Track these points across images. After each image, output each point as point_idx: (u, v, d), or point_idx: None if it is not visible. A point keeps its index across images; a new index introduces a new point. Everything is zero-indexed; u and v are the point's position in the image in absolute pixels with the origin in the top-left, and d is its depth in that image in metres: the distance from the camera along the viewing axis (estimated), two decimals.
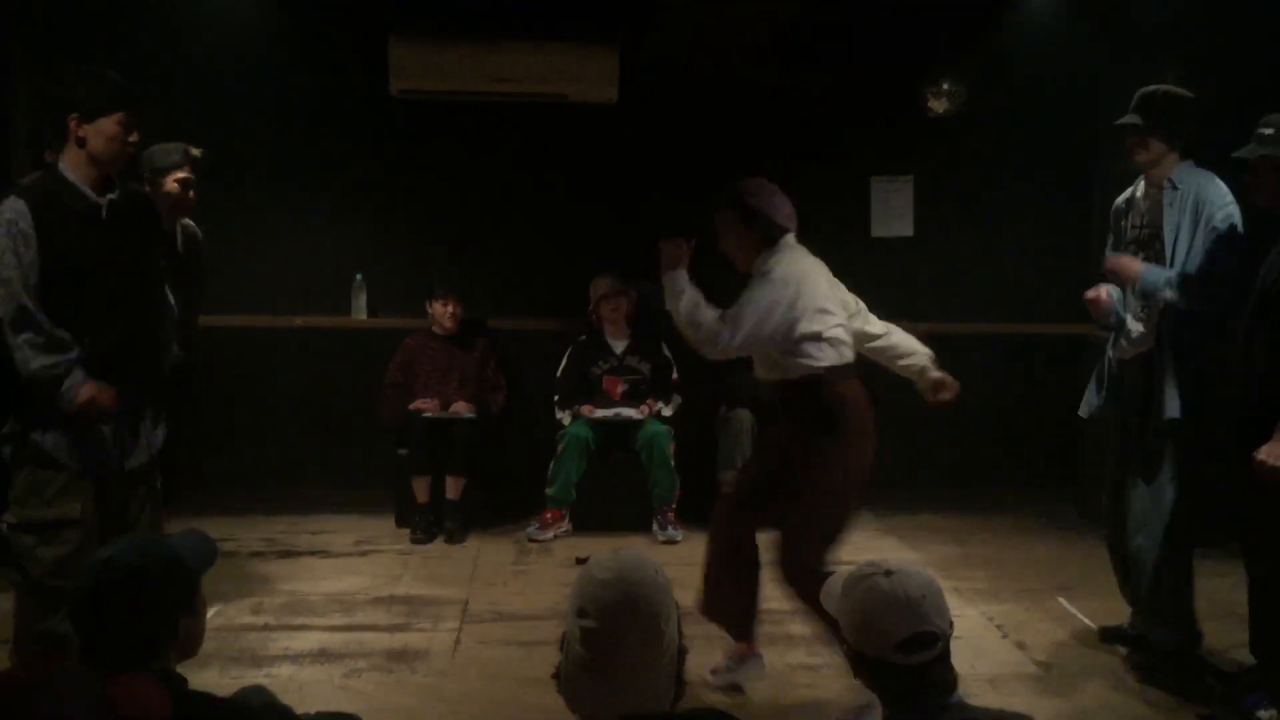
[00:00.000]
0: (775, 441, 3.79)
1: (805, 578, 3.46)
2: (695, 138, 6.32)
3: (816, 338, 3.59)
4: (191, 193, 4.46)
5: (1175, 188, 3.86)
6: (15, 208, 3.16)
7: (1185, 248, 3.80)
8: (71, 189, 3.26)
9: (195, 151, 4.47)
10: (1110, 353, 4.13)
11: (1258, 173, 3.56)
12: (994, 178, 6.48)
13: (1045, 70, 6.36)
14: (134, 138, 3.35)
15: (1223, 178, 3.83)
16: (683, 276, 3.67)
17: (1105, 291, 4.03)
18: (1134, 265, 3.88)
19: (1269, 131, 3.49)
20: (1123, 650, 4.17)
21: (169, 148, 4.44)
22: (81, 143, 3.25)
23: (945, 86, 6.24)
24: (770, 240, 3.72)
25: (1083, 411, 4.30)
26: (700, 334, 3.59)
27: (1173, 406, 3.79)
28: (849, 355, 3.70)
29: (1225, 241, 3.73)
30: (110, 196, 3.34)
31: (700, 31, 5.90)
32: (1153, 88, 3.95)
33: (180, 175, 4.42)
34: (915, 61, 6.24)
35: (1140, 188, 4.08)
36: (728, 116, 6.33)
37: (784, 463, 3.66)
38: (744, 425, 5.90)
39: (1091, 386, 4.25)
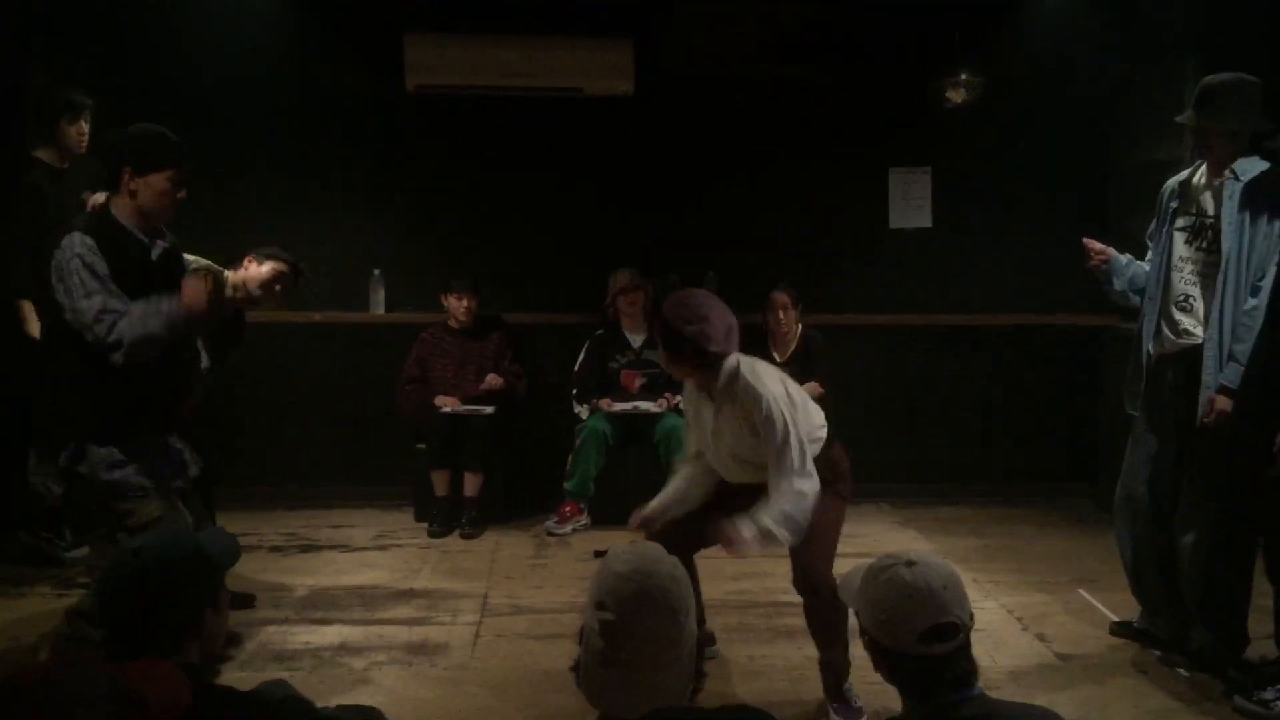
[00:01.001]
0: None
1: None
2: (711, 130, 6.31)
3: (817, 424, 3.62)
4: (183, 191, 4.43)
5: (1238, 179, 3.70)
6: (85, 241, 3.36)
7: (1240, 243, 3.65)
8: (124, 231, 3.47)
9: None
10: (1149, 346, 3.97)
11: None
12: (1012, 169, 6.44)
13: (1063, 61, 6.32)
14: (182, 194, 3.55)
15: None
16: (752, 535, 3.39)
17: (1112, 252, 3.99)
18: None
19: None
20: (1137, 645, 4.16)
21: None
22: (133, 194, 3.47)
23: (963, 77, 6.20)
24: (711, 365, 3.47)
25: (1130, 406, 4.10)
26: (799, 520, 3.39)
27: (1207, 389, 3.67)
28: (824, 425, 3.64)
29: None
30: (162, 244, 3.59)
31: (715, 24, 5.89)
32: (1211, 79, 3.75)
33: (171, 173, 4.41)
34: (933, 52, 6.20)
35: (1200, 173, 3.91)
36: (744, 108, 6.31)
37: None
38: None
39: (1136, 381, 4.06)
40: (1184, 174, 4.02)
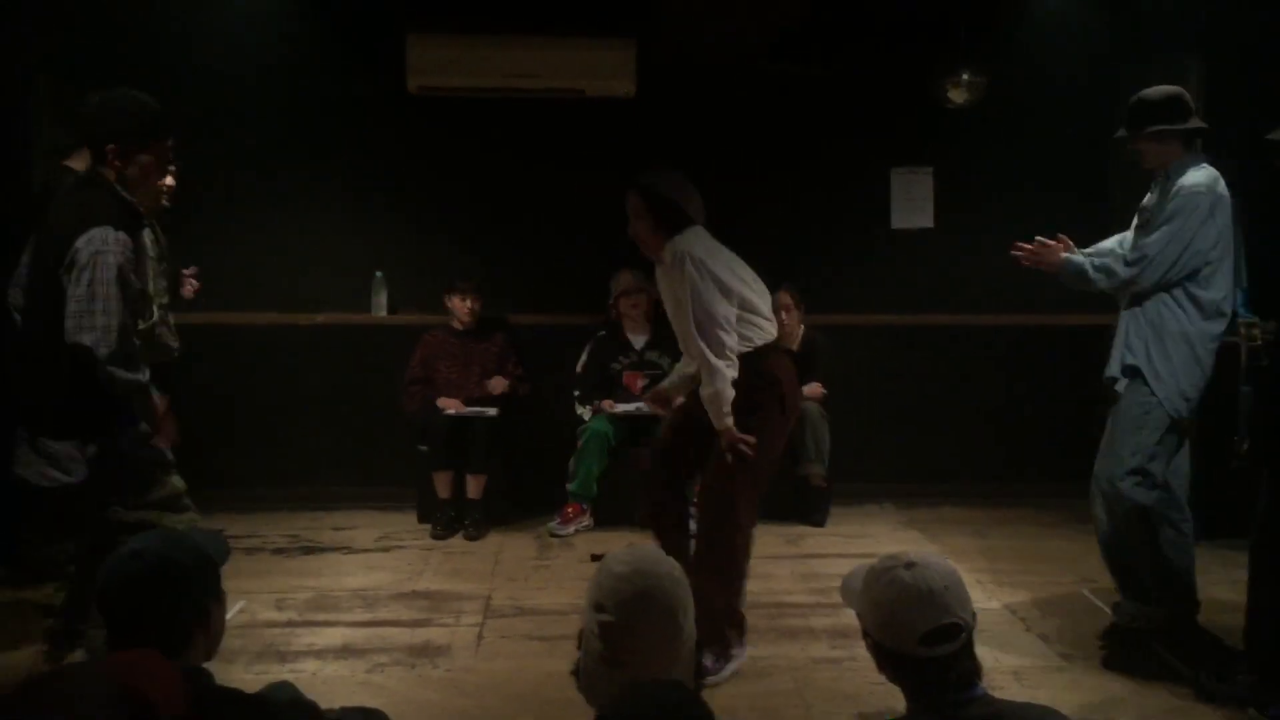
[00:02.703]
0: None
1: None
2: (713, 131, 6.30)
3: (745, 320, 3.75)
4: (172, 179, 4.39)
5: (1169, 178, 3.97)
6: (120, 240, 3.21)
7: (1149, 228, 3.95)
8: (132, 208, 3.34)
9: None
10: None
11: None
12: (1014, 169, 6.44)
13: (1066, 61, 6.32)
14: (168, 175, 3.51)
15: (1254, 164, 3.84)
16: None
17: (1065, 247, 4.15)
18: (1055, 256, 4.04)
19: None
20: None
21: None
22: (120, 171, 3.34)
23: (965, 77, 6.20)
24: (677, 229, 3.80)
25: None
26: (715, 403, 3.70)
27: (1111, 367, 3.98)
28: (772, 333, 3.83)
29: (1177, 219, 3.84)
30: (151, 221, 3.54)
31: (717, 24, 5.88)
32: (1135, 96, 4.05)
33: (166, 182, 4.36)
34: (935, 52, 6.20)
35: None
36: (746, 109, 6.32)
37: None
38: None
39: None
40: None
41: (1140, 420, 3.90)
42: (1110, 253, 4.14)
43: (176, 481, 3.46)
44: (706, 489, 3.87)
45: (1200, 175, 3.91)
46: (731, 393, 3.66)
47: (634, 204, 3.87)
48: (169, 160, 3.45)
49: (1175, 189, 3.91)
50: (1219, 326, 3.95)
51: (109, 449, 3.37)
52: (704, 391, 3.72)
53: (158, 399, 3.50)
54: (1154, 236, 3.88)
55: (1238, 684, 3.61)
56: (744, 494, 3.79)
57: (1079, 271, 4.01)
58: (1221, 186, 3.93)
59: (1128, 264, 3.93)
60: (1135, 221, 4.20)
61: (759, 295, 3.85)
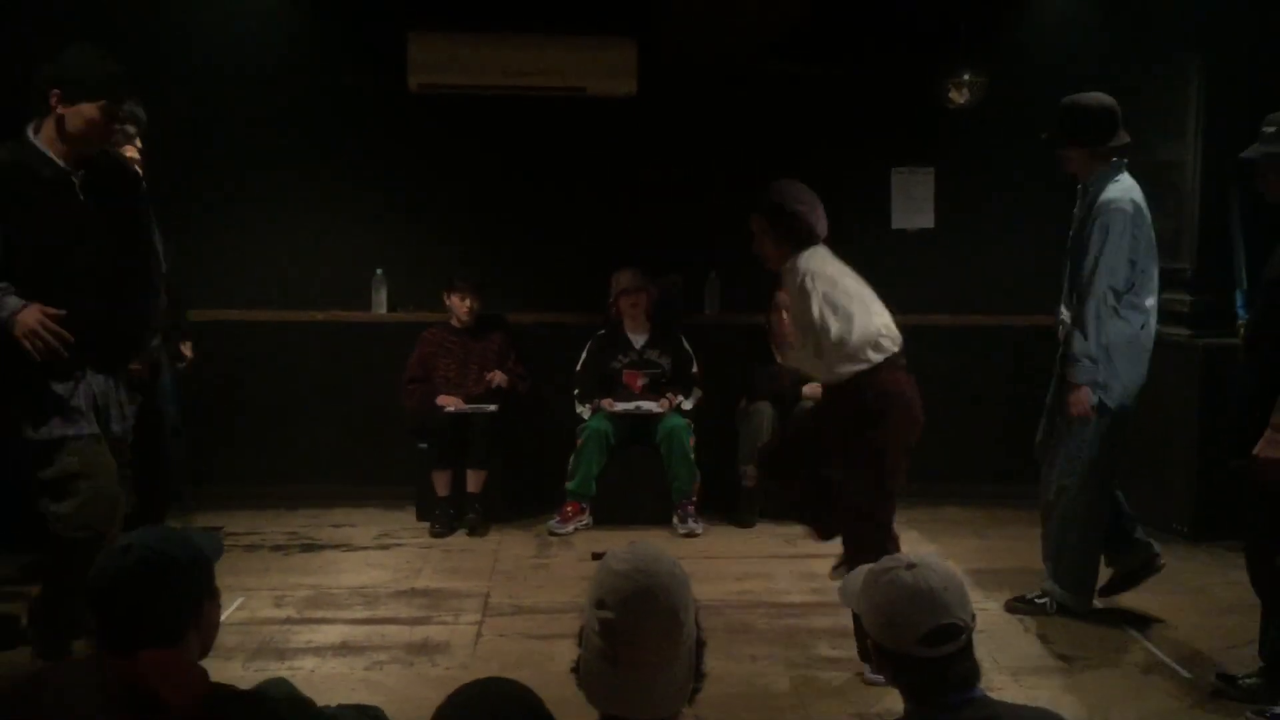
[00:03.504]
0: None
1: None
2: (715, 130, 6.30)
3: (862, 343, 3.77)
4: (134, 152, 4.32)
5: (1086, 190, 4.20)
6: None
7: (1078, 244, 4.19)
8: (40, 156, 3.24)
9: (131, 129, 4.30)
10: None
11: (1264, 172, 3.60)
12: (1015, 169, 6.42)
13: (1067, 61, 6.28)
14: (116, 128, 3.40)
15: (1240, 175, 3.89)
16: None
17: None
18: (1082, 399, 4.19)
19: (1271, 130, 3.57)
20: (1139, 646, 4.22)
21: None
22: (60, 120, 3.25)
23: (966, 78, 6.19)
24: (801, 246, 3.86)
25: None
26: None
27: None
28: (891, 348, 3.82)
29: (1111, 229, 4.07)
30: (83, 173, 3.34)
31: (719, 23, 5.88)
32: (1065, 100, 4.28)
33: (129, 154, 4.28)
34: (936, 52, 6.20)
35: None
36: (747, 108, 6.31)
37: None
38: (765, 418, 5.88)
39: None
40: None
41: None
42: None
43: (68, 465, 3.32)
44: (842, 508, 3.92)
45: (1118, 190, 4.11)
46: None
47: (758, 224, 3.95)
48: (113, 118, 3.35)
49: (1097, 205, 4.12)
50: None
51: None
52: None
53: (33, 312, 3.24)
54: (1086, 270, 4.15)
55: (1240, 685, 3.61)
56: (878, 503, 3.85)
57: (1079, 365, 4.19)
58: (1138, 195, 4.16)
59: (1078, 320, 4.18)
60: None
61: (877, 314, 3.87)
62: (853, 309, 3.77)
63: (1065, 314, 4.38)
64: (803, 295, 3.76)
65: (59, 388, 3.35)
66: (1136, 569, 4.40)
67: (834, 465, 3.94)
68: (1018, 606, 4.50)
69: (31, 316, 3.23)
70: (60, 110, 3.24)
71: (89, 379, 3.43)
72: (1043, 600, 4.46)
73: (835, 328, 3.72)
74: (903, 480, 3.93)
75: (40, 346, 3.24)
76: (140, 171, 4.33)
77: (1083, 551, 4.39)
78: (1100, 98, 4.21)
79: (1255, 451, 3.33)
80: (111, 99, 3.30)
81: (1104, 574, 4.51)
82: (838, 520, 3.98)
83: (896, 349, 3.83)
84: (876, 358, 3.77)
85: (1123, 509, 4.45)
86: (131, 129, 4.34)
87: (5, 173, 3.20)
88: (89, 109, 3.26)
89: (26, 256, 3.25)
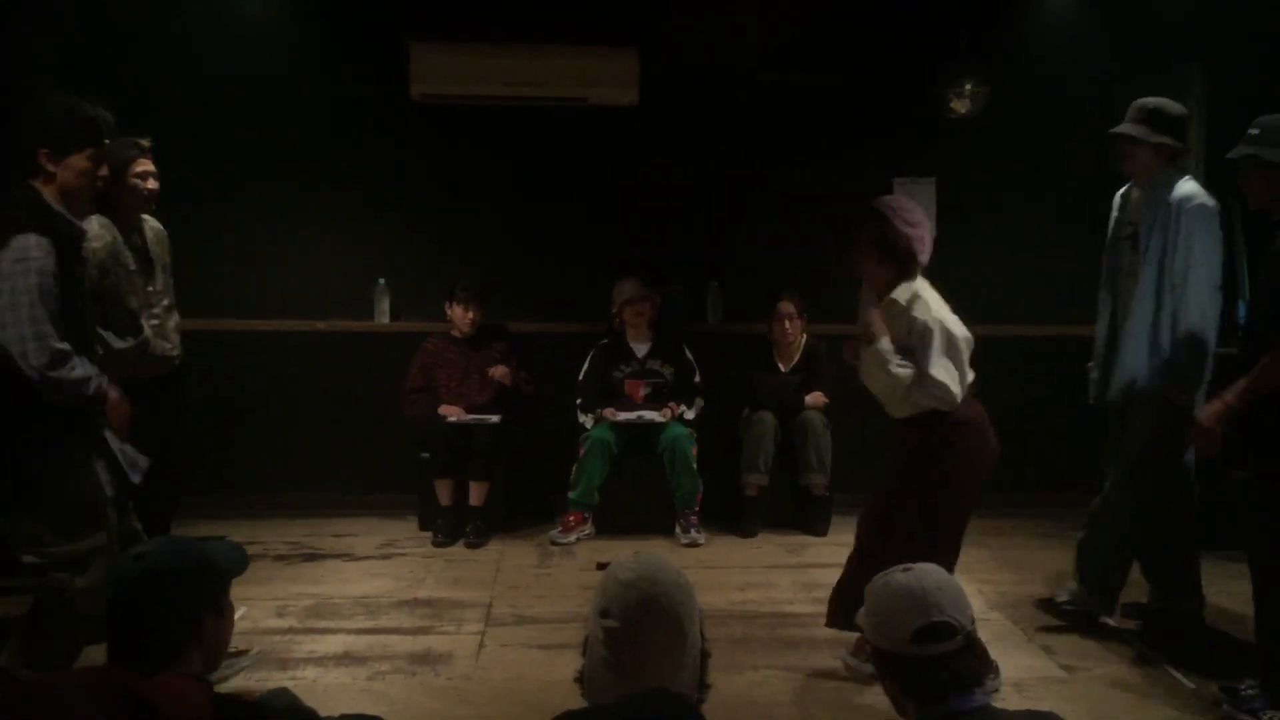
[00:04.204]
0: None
1: None
2: (716, 139, 6.31)
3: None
4: (153, 182, 4.36)
5: (1155, 188, 4.12)
6: (43, 245, 3.15)
7: (1160, 243, 4.05)
8: (63, 220, 3.28)
9: (145, 142, 4.27)
10: (1103, 344, 4.44)
11: (1245, 172, 3.63)
12: (1016, 179, 6.44)
13: (1067, 71, 6.32)
14: (104, 172, 3.39)
15: (1228, 178, 3.92)
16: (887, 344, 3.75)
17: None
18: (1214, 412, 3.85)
19: (1255, 131, 3.60)
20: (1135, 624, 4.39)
21: (119, 144, 4.28)
22: (51, 177, 3.28)
23: (968, 87, 6.21)
24: (906, 273, 3.79)
25: (1092, 398, 4.56)
26: (887, 373, 3.74)
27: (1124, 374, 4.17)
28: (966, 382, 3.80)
29: (1199, 226, 3.98)
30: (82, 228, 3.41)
31: (720, 32, 5.89)
32: (1148, 100, 4.18)
33: (139, 168, 4.23)
34: (937, 62, 6.21)
35: (1134, 186, 4.34)
36: (749, 117, 6.32)
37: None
38: (767, 428, 5.89)
39: (1093, 371, 4.54)
40: (1125, 187, 4.42)
41: None
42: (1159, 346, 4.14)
43: (99, 539, 3.30)
44: (910, 538, 3.75)
45: (1193, 187, 4.07)
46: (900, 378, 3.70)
47: (866, 238, 3.81)
48: (100, 163, 3.37)
49: (1175, 203, 4.03)
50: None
51: (22, 467, 3.24)
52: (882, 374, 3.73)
53: (107, 389, 3.34)
54: (1189, 288, 4.00)
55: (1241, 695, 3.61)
56: (946, 536, 3.77)
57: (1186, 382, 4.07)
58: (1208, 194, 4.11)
59: (1176, 350, 4.04)
60: (1115, 232, 4.36)
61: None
62: (958, 357, 3.73)
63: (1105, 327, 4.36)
64: (919, 335, 3.68)
65: (95, 458, 3.36)
66: (1179, 614, 4.35)
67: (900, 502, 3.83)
68: (1050, 607, 4.52)
69: (115, 390, 3.37)
70: (51, 169, 3.27)
71: (108, 440, 3.45)
72: (1066, 601, 4.46)
73: (945, 377, 3.66)
74: (968, 514, 3.86)
75: (121, 416, 3.39)
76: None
77: (1114, 551, 4.37)
78: (1178, 104, 4.21)
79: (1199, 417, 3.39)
80: (97, 145, 3.34)
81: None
82: (897, 551, 3.79)
83: (971, 383, 3.79)
84: (947, 398, 3.73)
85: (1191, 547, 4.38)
86: (145, 142, 4.36)
87: (58, 239, 3.22)
88: (79, 160, 3.30)
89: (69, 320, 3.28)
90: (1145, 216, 4.14)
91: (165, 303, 4.37)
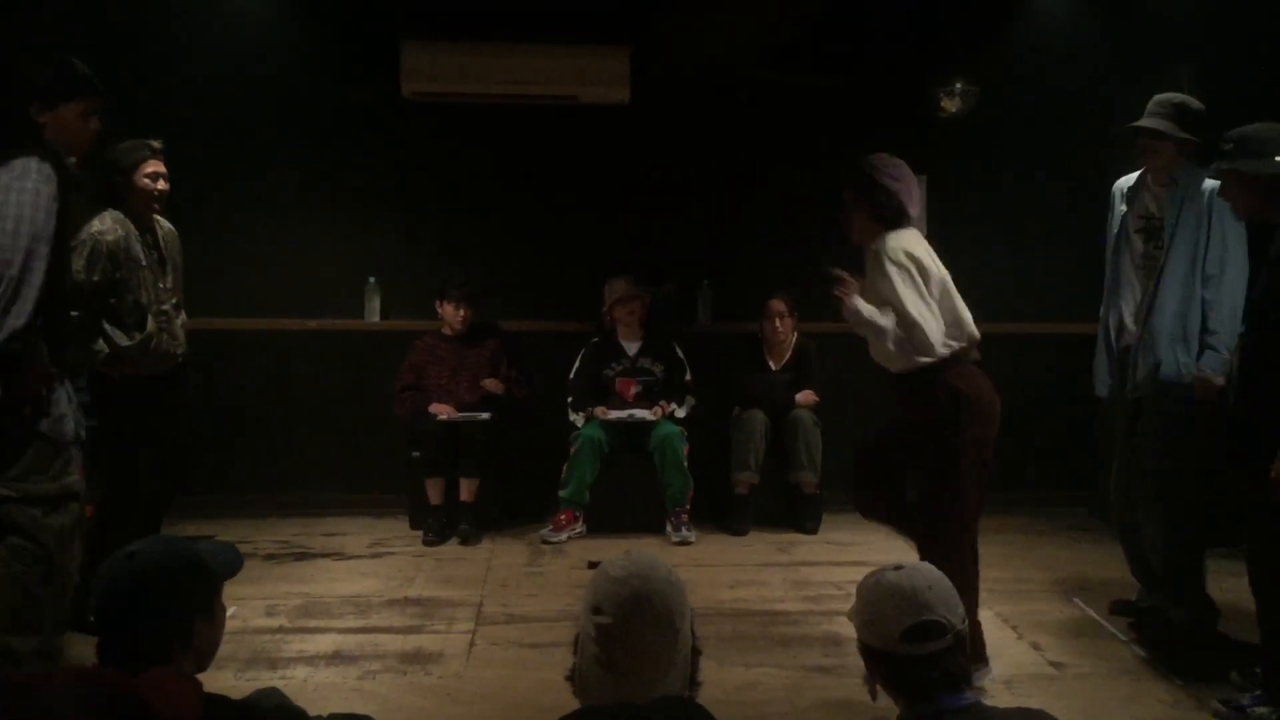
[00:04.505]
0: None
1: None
2: (707, 138, 6.32)
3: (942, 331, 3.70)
4: (163, 183, 4.37)
5: (1176, 184, 4.11)
6: (44, 172, 3.10)
7: (1193, 235, 4.04)
8: (62, 157, 3.22)
9: (156, 143, 4.36)
10: (1112, 337, 4.39)
11: (1227, 186, 3.66)
12: (1007, 178, 6.46)
13: (1058, 70, 6.34)
14: (94, 125, 3.37)
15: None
16: (861, 306, 3.70)
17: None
18: (1213, 381, 3.98)
19: (1228, 146, 3.61)
20: (1125, 623, 4.39)
21: (130, 145, 4.34)
22: (41, 130, 3.25)
23: (958, 86, 6.22)
24: (891, 225, 3.75)
25: (1098, 389, 4.48)
26: (874, 327, 3.68)
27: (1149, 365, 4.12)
28: (955, 346, 3.75)
29: (1231, 217, 3.91)
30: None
31: (711, 31, 5.89)
32: (1172, 96, 4.17)
33: (150, 169, 4.31)
34: (928, 61, 6.23)
35: (1146, 178, 4.30)
36: (740, 116, 6.33)
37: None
38: (758, 426, 5.89)
39: (1104, 370, 4.44)
40: (1131, 177, 4.41)
41: None
42: (1193, 335, 4.10)
43: (72, 482, 3.28)
44: (923, 508, 3.80)
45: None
46: (893, 340, 3.66)
47: (848, 195, 3.80)
48: (92, 117, 3.34)
49: (1205, 194, 4.03)
50: None
51: None
52: (884, 319, 3.64)
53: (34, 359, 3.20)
54: (1226, 276, 4.01)
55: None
56: (962, 505, 3.76)
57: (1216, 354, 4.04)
58: None
59: (1217, 327, 4.01)
60: (1133, 225, 4.31)
61: (960, 307, 3.80)
62: (935, 297, 3.68)
63: (1128, 317, 4.29)
64: (887, 276, 3.62)
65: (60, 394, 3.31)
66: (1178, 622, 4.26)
67: (912, 471, 3.84)
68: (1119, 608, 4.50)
69: (43, 363, 3.21)
70: (41, 119, 3.25)
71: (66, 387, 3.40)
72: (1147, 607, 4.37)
73: (915, 312, 3.59)
74: (987, 478, 3.84)
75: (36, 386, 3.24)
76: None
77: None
78: (1196, 100, 4.19)
79: (1273, 475, 3.31)
80: (90, 97, 3.32)
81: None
82: (918, 525, 3.86)
83: (966, 343, 3.75)
84: (945, 352, 3.68)
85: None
86: (156, 144, 4.39)
87: (61, 175, 3.17)
88: (68, 111, 3.28)
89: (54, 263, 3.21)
90: (1169, 210, 4.13)
91: (174, 301, 4.42)
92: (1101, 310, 4.48)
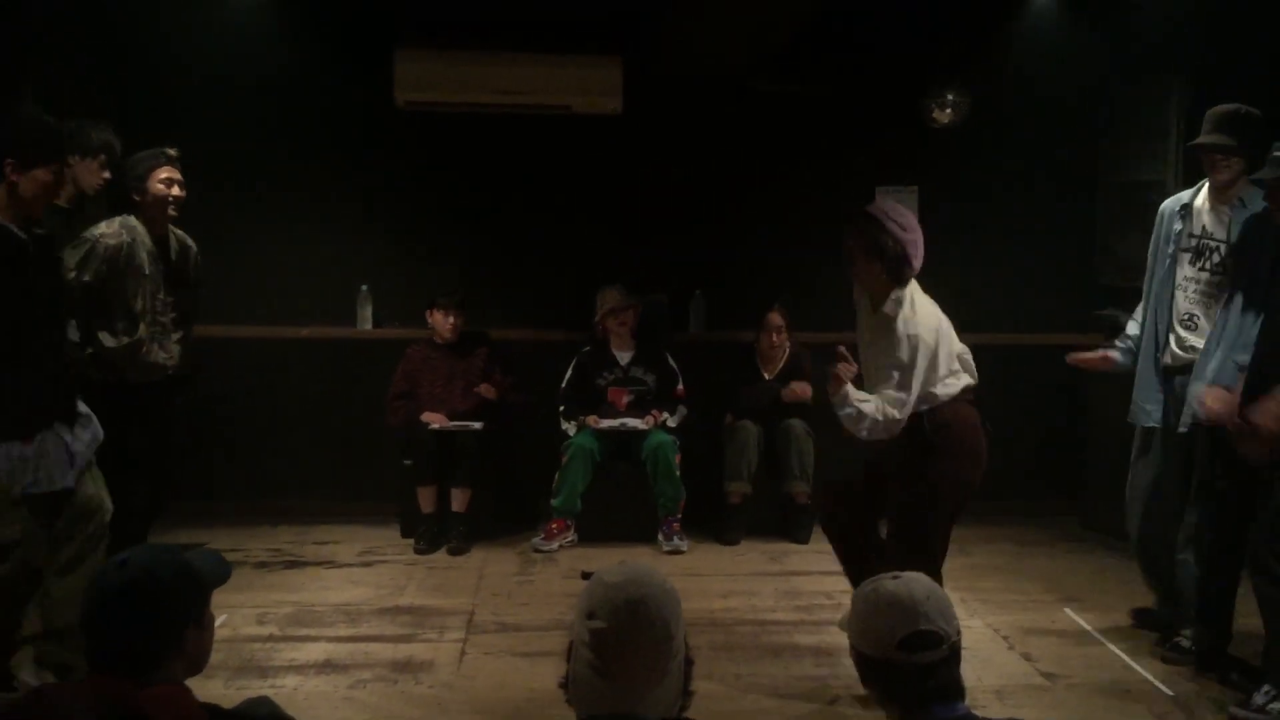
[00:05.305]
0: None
1: None
2: (700, 148, 6.33)
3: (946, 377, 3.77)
4: (178, 189, 4.46)
5: (1245, 205, 3.95)
6: None
7: (1264, 258, 3.76)
8: (3, 229, 3.35)
9: (171, 151, 4.49)
10: (1159, 359, 4.21)
11: (1274, 193, 3.60)
12: (999, 188, 6.48)
13: (1050, 81, 6.36)
14: (64, 186, 3.57)
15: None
16: (850, 394, 3.72)
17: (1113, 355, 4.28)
18: (1228, 402, 3.72)
19: (1278, 153, 3.53)
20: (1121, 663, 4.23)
21: (146, 154, 4.47)
22: (13, 187, 3.37)
23: (950, 97, 6.24)
24: (899, 282, 3.76)
25: (1143, 420, 4.27)
26: (867, 422, 3.69)
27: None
28: (957, 387, 3.82)
29: None
30: (37, 231, 3.49)
31: (704, 42, 5.91)
32: (1234, 107, 4.00)
33: (164, 175, 4.43)
34: (920, 72, 6.24)
35: (1201, 197, 4.14)
36: (732, 127, 6.34)
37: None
38: (750, 435, 5.90)
39: (1148, 394, 4.24)
40: (1184, 195, 4.24)
41: None
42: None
43: (9, 531, 3.30)
44: (897, 532, 3.81)
45: None
46: (867, 428, 3.69)
47: (860, 243, 3.77)
48: (61, 177, 3.51)
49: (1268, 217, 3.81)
50: None
51: None
52: (871, 407, 3.68)
53: None
54: None
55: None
56: (935, 532, 3.77)
57: None
58: None
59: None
60: (1174, 245, 4.15)
61: (959, 353, 3.87)
62: (940, 356, 3.74)
63: (1185, 334, 4.12)
64: (903, 345, 3.66)
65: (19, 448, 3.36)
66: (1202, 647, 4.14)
67: (890, 501, 3.85)
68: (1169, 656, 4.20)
69: None
70: (14, 177, 3.37)
71: (44, 439, 3.43)
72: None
73: (914, 387, 3.65)
74: (956, 516, 3.85)
75: None
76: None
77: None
78: (1254, 110, 4.01)
79: (1255, 419, 3.29)
80: (61, 161, 3.50)
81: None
82: (888, 552, 3.80)
83: (962, 385, 3.80)
84: (944, 395, 3.74)
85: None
86: (104, 157, 4.50)
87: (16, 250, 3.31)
88: (42, 173, 3.40)
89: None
90: (1233, 231, 3.96)
91: (173, 315, 4.44)
92: (1134, 329, 4.34)
